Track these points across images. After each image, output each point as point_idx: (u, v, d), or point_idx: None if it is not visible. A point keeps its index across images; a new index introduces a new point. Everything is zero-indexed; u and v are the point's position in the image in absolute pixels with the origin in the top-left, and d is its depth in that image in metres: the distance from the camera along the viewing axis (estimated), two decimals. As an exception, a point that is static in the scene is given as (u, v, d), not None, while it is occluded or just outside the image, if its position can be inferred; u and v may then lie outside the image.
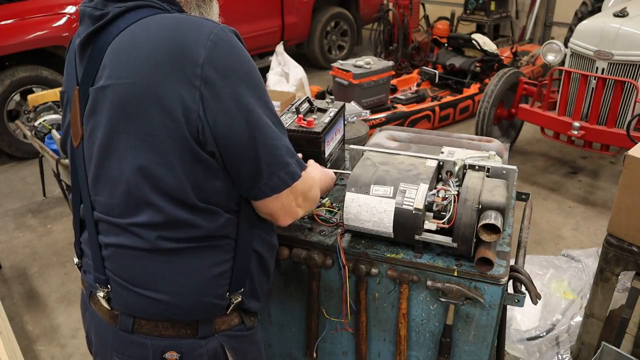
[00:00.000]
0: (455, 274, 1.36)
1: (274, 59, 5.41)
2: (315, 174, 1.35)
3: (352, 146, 1.60)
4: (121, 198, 1.04)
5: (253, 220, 1.15)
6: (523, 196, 1.81)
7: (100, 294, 1.12)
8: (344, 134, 1.83)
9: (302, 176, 1.11)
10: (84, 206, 1.13)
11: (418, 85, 5.48)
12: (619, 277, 1.97)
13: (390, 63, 4.85)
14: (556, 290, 2.63)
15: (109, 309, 1.13)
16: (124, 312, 1.11)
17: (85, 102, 1.04)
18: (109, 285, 1.11)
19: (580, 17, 4.87)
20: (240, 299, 1.16)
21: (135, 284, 1.08)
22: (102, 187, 1.07)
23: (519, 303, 1.40)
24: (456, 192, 1.35)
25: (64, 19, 4.55)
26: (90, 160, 1.07)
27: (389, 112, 4.68)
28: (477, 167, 1.44)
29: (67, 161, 2.94)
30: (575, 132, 3.61)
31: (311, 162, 1.46)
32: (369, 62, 4.71)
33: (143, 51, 0.97)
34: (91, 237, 1.12)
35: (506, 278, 1.34)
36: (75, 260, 1.25)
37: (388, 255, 1.42)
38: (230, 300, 1.15)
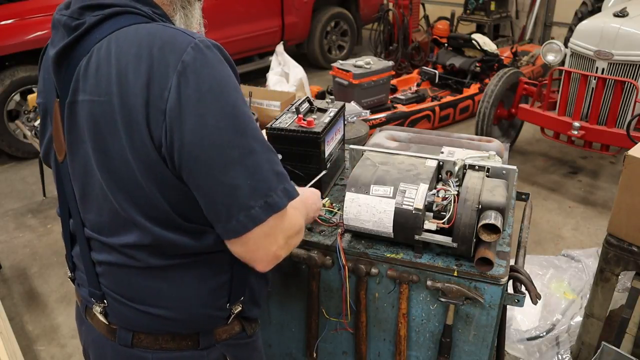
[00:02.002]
0: (455, 274, 1.36)
1: (274, 59, 5.42)
2: (301, 200, 1.15)
3: (352, 146, 1.60)
4: (109, 217, 1.01)
5: None
6: (523, 196, 1.81)
7: (97, 308, 1.09)
8: (344, 134, 1.83)
9: (281, 216, 0.96)
10: (74, 222, 1.09)
11: (418, 85, 5.48)
12: (619, 277, 1.97)
13: (390, 63, 4.85)
14: (556, 290, 2.63)
15: (107, 323, 1.10)
16: (123, 326, 1.09)
17: (64, 117, 1.00)
18: (105, 301, 1.08)
19: (580, 17, 4.87)
20: (240, 308, 1.14)
21: (132, 299, 1.05)
22: (90, 205, 1.04)
23: (519, 303, 1.40)
24: (456, 192, 1.35)
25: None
26: (75, 177, 1.04)
27: (389, 112, 4.68)
28: (477, 167, 1.44)
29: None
30: (575, 132, 3.61)
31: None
32: (369, 62, 4.71)
33: (114, 69, 0.91)
34: (83, 253, 1.09)
35: (506, 278, 1.34)
36: (69, 273, 1.21)
37: (388, 255, 1.42)
38: (230, 311, 1.12)
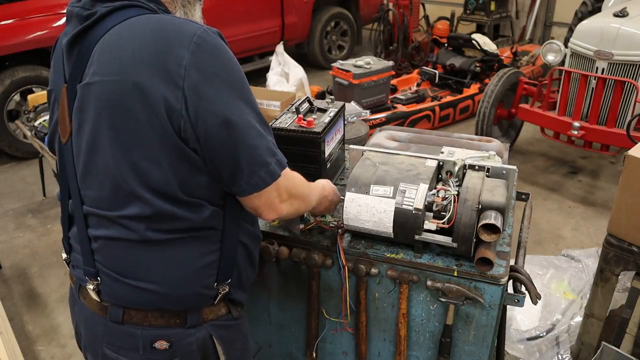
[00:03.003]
0: (455, 274, 1.36)
1: (274, 59, 5.41)
2: (319, 183, 1.39)
3: (352, 146, 1.60)
4: (110, 191, 1.07)
5: (238, 213, 1.18)
6: (523, 196, 1.81)
7: (90, 286, 1.14)
8: (344, 134, 1.83)
9: (285, 174, 1.12)
10: (73, 201, 1.15)
11: (418, 85, 5.47)
12: (619, 277, 1.96)
13: (390, 63, 4.85)
14: (556, 290, 2.63)
15: (99, 300, 1.15)
16: (114, 303, 1.14)
17: (73, 99, 1.07)
18: (98, 278, 1.13)
19: (580, 17, 4.87)
20: (227, 289, 1.19)
21: (125, 275, 1.10)
22: (91, 181, 1.09)
23: (519, 303, 1.40)
24: (456, 192, 1.35)
25: (64, 19, 4.53)
26: (78, 155, 1.10)
27: (389, 112, 4.67)
28: (477, 167, 1.44)
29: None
30: (575, 132, 3.61)
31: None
32: (369, 62, 4.71)
33: (129, 51, 1.00)
34: (80, 231, 1.14)
35: (506, 278, 1.34)
36: (64, 255, 1.27)
37: (388, 255, 1.42)
38: (218, 291, 1.17)
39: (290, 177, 1.17)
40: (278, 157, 1.10)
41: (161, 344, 1.14)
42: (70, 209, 1.17)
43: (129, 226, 1.07)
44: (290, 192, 1.17)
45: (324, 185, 1.41)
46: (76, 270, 1.20)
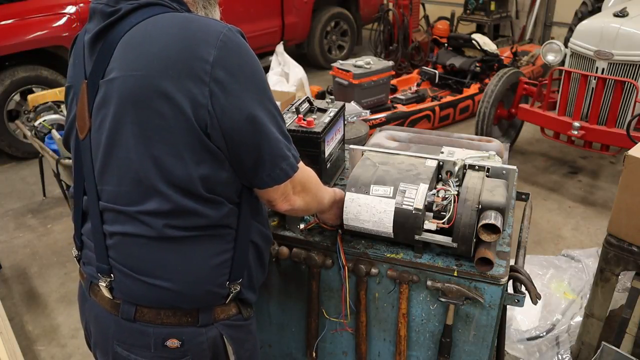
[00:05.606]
0: (455, 274, 1.36)
1: (274, 59, 5.41)
2: (331, 189, 1.42)
3: (352, 146, 1.60)
4: (130, 186, 1.07)
5: (251, 212, 1.20)
6: (523, 196, 1.81)
7: (103, 283, 1.13)
8: (344, 134, 1.83)
9: (300, 166, 1.16)
10: (89, 197, 1.14)
11: (418, 85, 5.47)
12: (619, 277, 1.97)
13: (390, 63, 4.85)
14: (556, 290, 2.63)
15: (111, 298, 1.15)
16: (127, 300, 1.13)
17: (94, 95, 1.07)
18: (112, 274, 1.13)
19: (580, 17, 4.87)
20: (238, 289, 1.19)
21: (139, 272, 1.10)
22: (110, 176, 1.09)
23: (519, 303, 1.40)
24: (456, 192, 1.35)
25: (64, 19, 4.55)
26: (97, 150, 1.10)
27: (389, 112, 4.67)
28: (477, 167, 1.44)
29: (67, 161, 2.93)
30: (575, 132, 3.61)
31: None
32: (369, 62, 4.71)
33: (155, 47, 1.01)
34: (95, 227, 1.14)
35: (506, 278, 1.34)
36: (74, 252, 1.26)
37: (388, 255, 1.42)
38: (229, 290, 1.18)
39: (305, 170, 1.21)
40: (293, 151, 1.14)
41: (173, 343, 1.14)
42: (85, 206, 1.17)
43: (147, 222, 1.07)
44: (303, 184, 1.20)
45: (335, 190, 1.42)
46: (88, 267, 1.20)
